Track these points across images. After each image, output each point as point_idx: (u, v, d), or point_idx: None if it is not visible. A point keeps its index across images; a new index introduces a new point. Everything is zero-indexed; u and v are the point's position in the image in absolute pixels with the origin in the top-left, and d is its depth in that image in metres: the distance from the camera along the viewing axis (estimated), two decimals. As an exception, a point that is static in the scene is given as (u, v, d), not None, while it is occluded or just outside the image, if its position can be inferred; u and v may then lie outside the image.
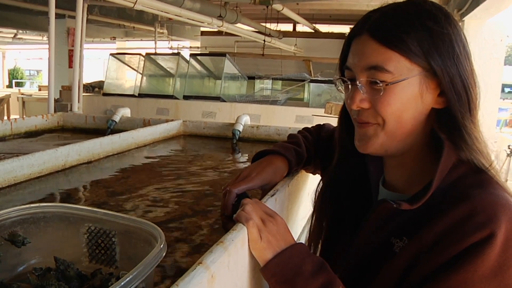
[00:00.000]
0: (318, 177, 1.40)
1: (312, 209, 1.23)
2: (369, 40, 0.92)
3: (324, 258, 1.12)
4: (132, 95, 6.72)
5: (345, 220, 1.10)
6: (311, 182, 1.53)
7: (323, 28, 11.70)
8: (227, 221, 1.12)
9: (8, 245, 0.85)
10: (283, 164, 1.27)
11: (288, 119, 5.62)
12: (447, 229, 0.84)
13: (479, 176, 0.89)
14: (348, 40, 0.99)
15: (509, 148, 6.90)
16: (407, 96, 0.90)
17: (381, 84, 0.90)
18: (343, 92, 1.01)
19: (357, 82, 0.93)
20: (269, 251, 0.91)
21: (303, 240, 1.53)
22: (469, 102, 0.91)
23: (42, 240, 0.91)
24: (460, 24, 5.16)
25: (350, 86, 0.96)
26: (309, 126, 1.55)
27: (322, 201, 1.19)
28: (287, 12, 7.36)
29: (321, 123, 1.52)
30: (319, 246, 1.20)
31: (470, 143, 0.90)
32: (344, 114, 1.06)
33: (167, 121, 2.63)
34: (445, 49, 0.89)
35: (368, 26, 0.93)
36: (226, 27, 6.95)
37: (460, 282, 0.80)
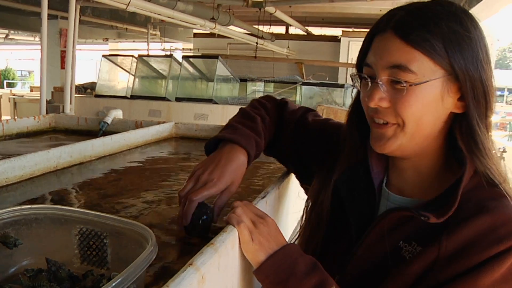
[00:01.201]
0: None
1: (307, 209, 1.21)
2: (394, 38, 0.90)
3: (322, 259, 1.11)
4: (125, 97, 6.72)
5: (345, 222, 1.06)
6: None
7: (316, 30, 11.75)
8: (186, 232, 1.05)
9: (-1, 247, 0.86)
10: (243, 157, 1.14)
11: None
12: (469, 240, 0.85)
13: (493, 189, 0.89)
14: (370, 37, 0.97)
15: (499, 151, 6.96)
16: (429, 98, 0.89)
17: (404, 84, 0.88)
18: (359, 89, 1.00)
19: (378, 80, 0.92)
20: (262, 253, 0.91)
21: (294, 241, 1.54)
22: (487, 108, 0.90)
23: (34, 242, 0.91)
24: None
25: (369, 84, 0.94)
26: (259, 97, 1.40)
27: (323, 201, 1.13)
28: (279, 14, 7.39)
29: (273, 96, 1.39)
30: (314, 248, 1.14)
31: (484, 156, 0.89)
32: (356, 112, 1.05)
33: (159, 123, 2.63)
34: (469, 53, 0.88)
35: (393, 23, 0.91)
36: (218, 29, 6.97)
37: (476, 286, 0.83)
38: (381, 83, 0.91)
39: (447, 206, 0.88)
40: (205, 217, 1.03)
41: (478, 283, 0.82)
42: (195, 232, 1.04)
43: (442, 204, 0.89)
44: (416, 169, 0.99)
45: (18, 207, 0.91)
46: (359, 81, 0.99)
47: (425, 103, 0.89)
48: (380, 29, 0.93)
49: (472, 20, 0.90)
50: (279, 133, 1.30)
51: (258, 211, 0.98)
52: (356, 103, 1.04)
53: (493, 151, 0.91)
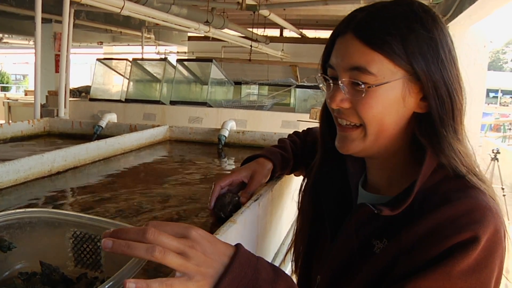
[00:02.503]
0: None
1: (297, 211, 1.23)
2: (353, 40, 0.89)
3: (307, 260, 1.13)
4: (119, 100, 6.71)
5: (325, 221, 1.08)
6: (295, 186, 1.55)
7: (310, 33, 11.76)
8: (215, 214, 1.19)
9: (-7, 250, 0.86)
10: (268, 163, 1.30)
11: (274, 124, 5.64)
12: (429, 231, 0.82)
13: (459, 181, 0.88)
14: (332, 38, 0.96)
15: (493, 152, 6.99)
16: (389, 99, 0.88)
17: (363, 86, 0.88)
18: (325, 90, 0.99)
19: (339, 82, 0.91)
20: (211, 281, 0.71)
21: (287, 243, 1.55)
22: (453, 108, 0.89)
23: (28, 245, 0.92)
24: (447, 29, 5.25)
25: (332, 85, 0.94)
26: (295, 131, 1.56)
27: (304, 202, 1.19)
28: (274, 17, 7.40)
29: (311, 127, 1.52)
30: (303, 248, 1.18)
31: (448, 151, 0.88)
32: (326, 114, 1.05)
33: (153, 126, 2.64)
34: (430, 53, 0.87)
35: (353, 25, 0.90)
36: (213, 32, 6.97)
37: (438, 276, 0.79)
38: (342, 84, 0.91)
39: (402, 199, 0.88)
40: (229, 199, 1.19)
41: (439, 275, 0.79)
42: (224, 213, 1.19)
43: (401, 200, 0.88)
44: (384, 168, 0.99)
45: (12, 211, 0.91)
46: (324, 83, 0.99)
47: (386, 104, 0.89)
48: (340, 31, 0.93)
49: (434, 20, 0.89)
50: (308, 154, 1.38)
51: (174, 228, 0.72)
52: (326, 105, 1.04)
53: (459, 146, 0.89)
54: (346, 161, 1.07)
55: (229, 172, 1.33)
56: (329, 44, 0.97)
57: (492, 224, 0.81)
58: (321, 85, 1.01)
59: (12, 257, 0.89)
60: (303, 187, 1.22)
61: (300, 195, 1.22)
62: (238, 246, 0.77)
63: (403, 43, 0.86)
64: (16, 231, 0.91)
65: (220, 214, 1.19)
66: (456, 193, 0.85)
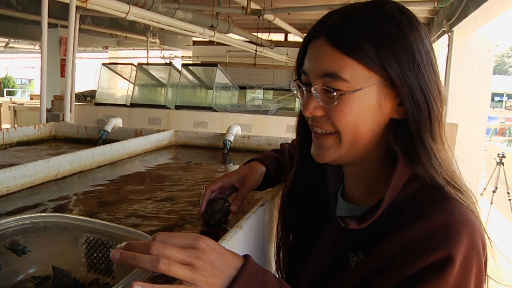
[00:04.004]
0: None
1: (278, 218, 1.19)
2: (325, 45, 0.85)
3: (288, 271, 1.10)
4: (124, 105, 6.72)
5: (304, 232, 1.06)
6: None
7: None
8: (206, 222, 1.21)
9: (9, 254, 0.87)
10: (261, 167, 1.28)
11: (279, 129, 5.64)
12: (401, 249, 0.79)
13: (435, 192, 0.83)
14: (305, 43, 0.93)
15: (498, 157, 6.96)
16: (364, 106, 0.84)
17: (335, 94, 0.84)
18: (299, 97, 0.95)
19: (312, 89, 0.88)
20: None
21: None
22: (430, 114, 0.84)
23: (42, 249, 0.92)
24: (448, 33, 5.17)
25: (305, 92, 0.91)
26: None
27: (284, 210, 1.14)
28: (278, 22, 7.41)
29: None
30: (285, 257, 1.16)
31: (424, 159, 0.84)
32: (302, 121, 1.01)
33: (158, 131, 2.64)
34: (404, 57, 0.82)
35: (325, 29, 0.87)
36: (217, 37, 6.99)
37: None
38: (315, 92, 0.87)
39: (371, 211, 0.84)
40: (220, 207, 1.19)
41: None
42: (213, 220, 1.20)
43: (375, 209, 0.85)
44: (361, 176, 0.96)
45: (27, 215, 0.92)
46: (298, 89, 0.95)
47: (361, 111, 0.85)
48: (313, 35, 0.90)
49: (409, 21, 0.85)
50: None
51: (182, 239, 0.71)
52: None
53: (437, 154, 0.85)
54: (326, 169, 1.04)
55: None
56: (302, 48, 0.94)
57: (466, 240, 0.76)
58: (295, 92, 0.97)
59: (26, 261, 0.89)
60: (283, 194, 1.16)
61: (281, 202, 1.17)
62: (247, 258, 0.74)
63: (376, 47, 0.82)
64: (31, 236, 0.91)
65: (209, 222, 1.20)
66: (430, 206, 0.81)
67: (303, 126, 1.00)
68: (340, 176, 1.03)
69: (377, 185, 0.92)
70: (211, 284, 0.69)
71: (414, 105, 0.84)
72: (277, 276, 0.78)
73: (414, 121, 0.84)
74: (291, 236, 1.15)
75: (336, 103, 0.85)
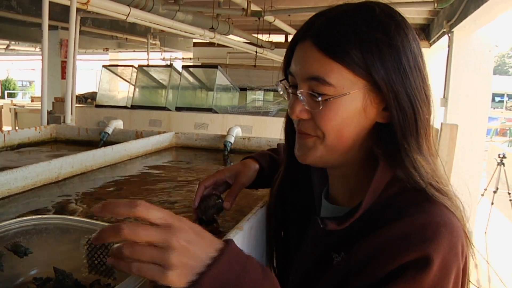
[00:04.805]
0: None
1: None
2: (312, 48, 0.85)
3: (279, 270, 1.10)
4: (125, 107, 6.73)
5: (290, 232, 1.06)
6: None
7: (315, 39, 11.76)
8: (199, 219, 1.20)
9: (10, 255, 0.87)
10: (254, 164, 1.27)
11: (279, 130, 5.52)
12: (379, 247, 0.78)
13: (416, 194, 0.83)
14: (292, 44, 0.91)
15: (499, 157, 6.97)
16: (349, 111, 0.84)
17: (320, 99, 0.84)
18: (286, 99, 0.95)
19: (298, 92, 0.87)
20: (191, 272, 0.64)
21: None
22: (416, 120, 0.84)
23: (44, 251, 0.92)
24: (449, 34, 5.17)
25: (291, 94, 0.91)
26: None
27: (273, 210, 1.13)
28: (279, 23, 7.41)
29: None
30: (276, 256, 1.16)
31: (407, 163, 0.83)
32: (289, 121, 1.00)
33: (159, 133, 2.65)
34: (390, 62, 0.82)
35: (312, 32, 0.86)
36: (218, 38, 7.00)
37: None
38: (300, 95, 0.87)
39: (351, 213, 0.85)
40: (213, 203, 1.19)
41: None
42: (206, 216, 1.20)
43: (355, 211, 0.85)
44: (344, 178, 0.95)
45: (29, 217, 0.93)
46: (285, 91, 0.95)
47: (346, 116, 0.84)
48: (300, 37, 0.89)
49: (397, 25, 0.84)
50: None
51: (159, 216, 0.65)
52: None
53: (420, 159, 0.84)
54: (311, 170, 1.04)
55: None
56: (289, 50, 0.93)
57: (445, 241, 0.76)
58: (281, 93, 0.96)
59: (27, 262, 0.90)
60: (272, 193, 1.15)
61: (269, 200, 1.17)
62: (228, 241, 0.69)
63: (362, 52, 0.81)
64: (33, 237, 0.91)
65: (202, 217, 1.20)
66: (411, 208, 0.81)
67: (291, 126, 0.99)
68: (325, 178, 1.03)
69: (360, 187, 0.91)
70: (186, 264, 0.64)
71: (400, 110, 0.83)
72: (261, 263, 0.73)
73: (399, 126, 0.84)
74: (282, 234, 1.15)
75: (321, 107, 0.85)
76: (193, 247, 0.64)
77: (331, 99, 0.84)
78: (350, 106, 0.84)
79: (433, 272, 0.74)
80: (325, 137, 0.87)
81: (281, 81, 0.96)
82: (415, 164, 0.83)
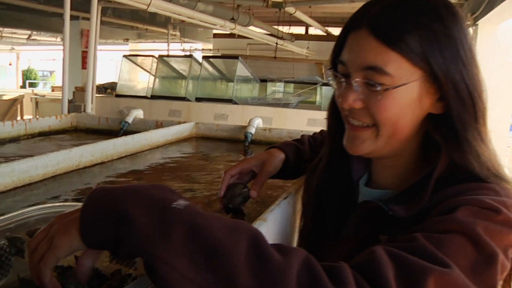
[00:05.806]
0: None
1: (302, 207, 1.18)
2: (368, 37, 0.83)
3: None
4: (145, 97, 6.76)
5: (327, 219, 1.04)
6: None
7: (335, 31, 11.69)
8: (225, 207, 1.19)
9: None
10: (280, 154, 1.27)
11: (300, 122, 5.60)
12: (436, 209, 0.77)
13: (476, 184, 0.81)
14: (345, 32, 0.90)
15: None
16: (406, 101, 0.83)
17: (379, 88, 0.82)
18: (335, 87, 0.93)
19: (352, 81, 0.86)
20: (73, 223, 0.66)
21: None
22: (476, 110, 0.83)
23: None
24: (473, 27, 5.10)
25: (343, 83, 0.88)
26: (321, 129, 1.53)
27: (308, 199, 1.13)
28: (299, 15, 7.37)
29: None
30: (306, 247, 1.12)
31: (468, 153, 0.82)
32: (334, 110, 0.98)
33: (179, 123, 2.64)
34: (449, 52, 0.81)
35: (368, 20, 0.84)
36: (238, 29, 6.97)
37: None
38: (355, 84, 0.85)
39: (415, 201, 0.82)
40: (239, 191, 1.18)
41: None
42: (232, 204, 1.18)
43: (410, 197, 0.83)
44: (395, 167, 0.95)
45: (50, 205, 0.91)
46: (334, 79, 0.93)
47: (402, 106, 0.84)
48: (354, 25, 0.87)
49: (454, 15, 0.83)
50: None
51: (39, 234, 0.70)
52: (334, 101, 0.97)
53: (482, 148, 0.84)
54: (352, 158, 1.01)
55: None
56: (341, 38, 0.91)
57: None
58: (330, 82, 0.95)
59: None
60: (308, 183, 1.15)
61: (304, 192, 1.16)
62: None
63: (421, 41, 0.80)
64: (54, 225, 0.90)
65: (229, 205, 1.18)
66: (477, 190, 0.78)
67: (335, 115, 0.98)
68: (364, 164, 1.03)
69: (406, 175, 0.92)
70: (68, 231, 0.65)
71: (459, 100, 0.82)
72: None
73: (459, 117, 0.83)
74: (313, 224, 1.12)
75: (379, 97, 0.83)
76: (66, 218, 0.67)
77: (389, 89, 0.82)
78: (407, 96, 0.83)
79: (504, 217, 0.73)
80: (380, 127, 0.86)
81: (329, 69, 0.94)
82: (478, 154, 0.83)
